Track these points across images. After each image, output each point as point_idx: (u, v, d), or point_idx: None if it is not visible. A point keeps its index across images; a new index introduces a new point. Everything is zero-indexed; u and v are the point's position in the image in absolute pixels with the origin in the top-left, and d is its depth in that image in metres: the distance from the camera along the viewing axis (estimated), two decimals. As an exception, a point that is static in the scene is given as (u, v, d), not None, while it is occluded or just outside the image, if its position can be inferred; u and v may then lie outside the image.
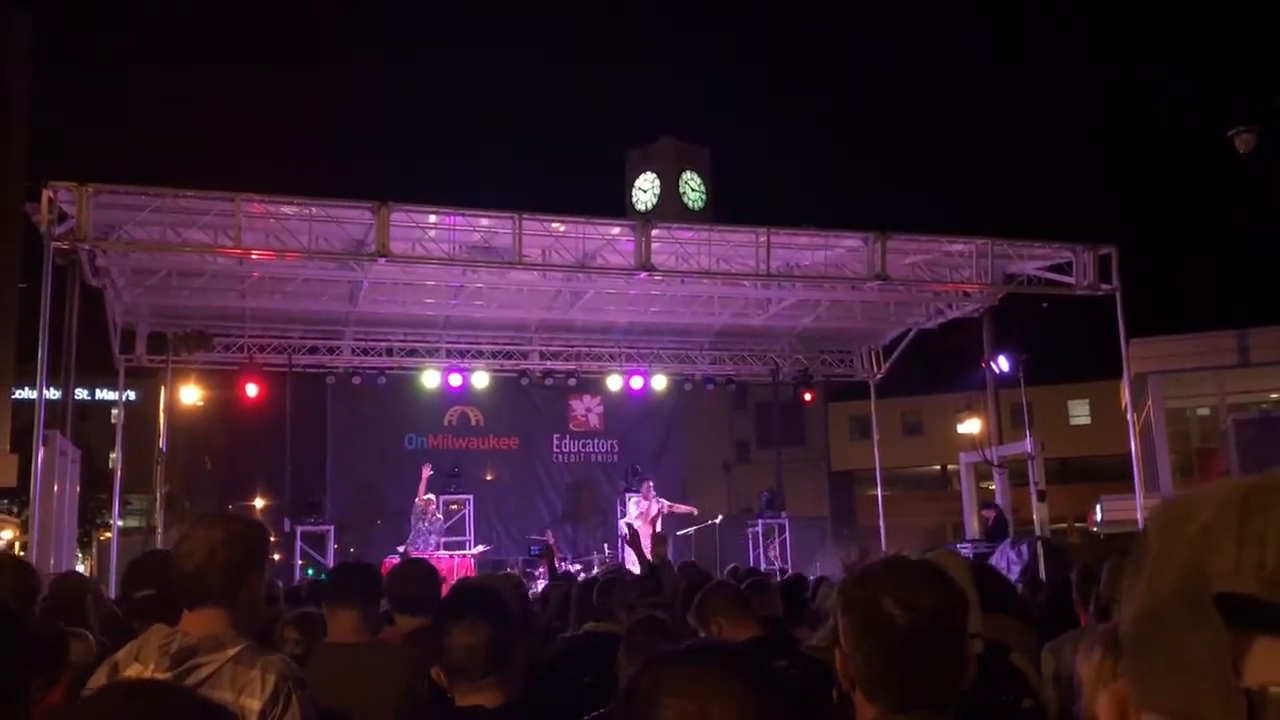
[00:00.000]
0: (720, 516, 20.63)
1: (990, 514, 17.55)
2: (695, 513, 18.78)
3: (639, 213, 45.13)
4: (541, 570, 15.27)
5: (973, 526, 19.35)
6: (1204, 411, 27.56)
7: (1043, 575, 12.58)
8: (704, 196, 50.48)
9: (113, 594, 12.55)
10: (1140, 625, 0.75)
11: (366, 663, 3.53)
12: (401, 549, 16.78)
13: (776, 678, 1.31)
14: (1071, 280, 16.63)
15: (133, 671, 2.50)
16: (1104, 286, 16.48)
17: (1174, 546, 0.75)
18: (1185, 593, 0.72)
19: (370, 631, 3.82)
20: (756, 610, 4.34)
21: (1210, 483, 0.81)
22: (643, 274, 15.26)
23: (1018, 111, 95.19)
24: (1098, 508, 28.38)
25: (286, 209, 14.14)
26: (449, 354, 20.05)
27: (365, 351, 19.68)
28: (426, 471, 18.06)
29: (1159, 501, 0.86)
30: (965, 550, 14.53)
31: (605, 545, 19.46)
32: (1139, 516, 16.52)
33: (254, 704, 2.51)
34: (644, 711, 1.26)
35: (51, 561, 12.80)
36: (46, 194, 12.56)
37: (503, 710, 2.50)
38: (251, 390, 18.22)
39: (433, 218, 14.66)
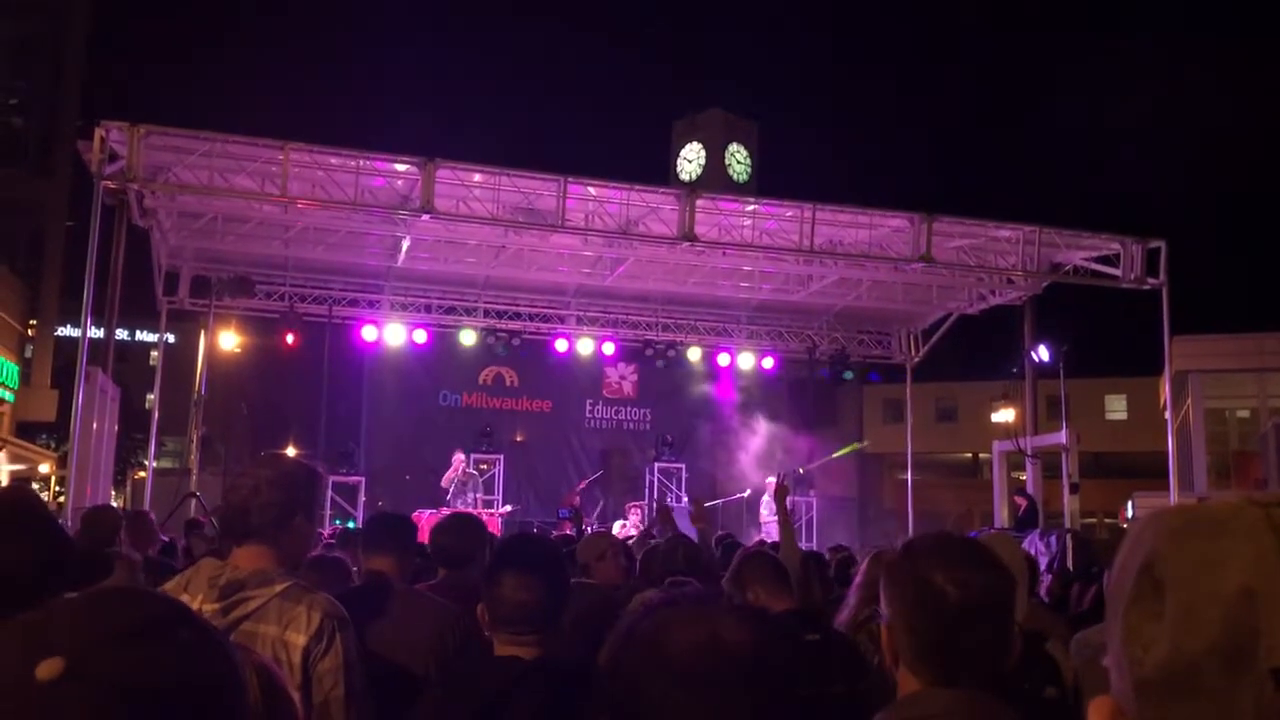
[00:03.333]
0: (748, 491, 20.63)
1: (1023, 502, 17.44)
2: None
3: (683, 182, 44.93)
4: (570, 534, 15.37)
5: (1002, 515, 19.24)
6: (1244, 414, 27.22)
7: (1070, 566, 12.52)
8: (749, 169, 50.16)
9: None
10: (1170, 675, 0.73)
11: (401, 608, 3.56)
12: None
13: (778, 624, 1.33)
14: (1118, 273, 16.40)
15: None
16: (1150, 281, 16.25)
17: (1206, 604, 0.72)
18: (1229, 653, 0.71)
19: (404, 578, 3.87)
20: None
21: (1224, 504, 0.78)
22: (684, 244, 15.20)
23: (1074, 100, 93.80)
24: (1129, 504, 28.12)
25: (333, 160, 14.17)
26: (487, 314, 20.10)
27: (405, 307, 19.77)
28: (458, 460, 17.92)
29: (1155, 519, 0.81)
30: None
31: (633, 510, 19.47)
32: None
33: (299, 639, 2.55)
34: (650, 646, 1.27)
35: (88, 496, 13.01)
36: (98, 133, 12.66)
37: (538, 663, 2.50)
38: (291, 339, 18.35)
39: (478, 176, 14.66)
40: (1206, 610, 0.72)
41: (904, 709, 1.86)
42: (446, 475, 17.66)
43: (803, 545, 18.13)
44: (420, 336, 19.65)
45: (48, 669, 0.82)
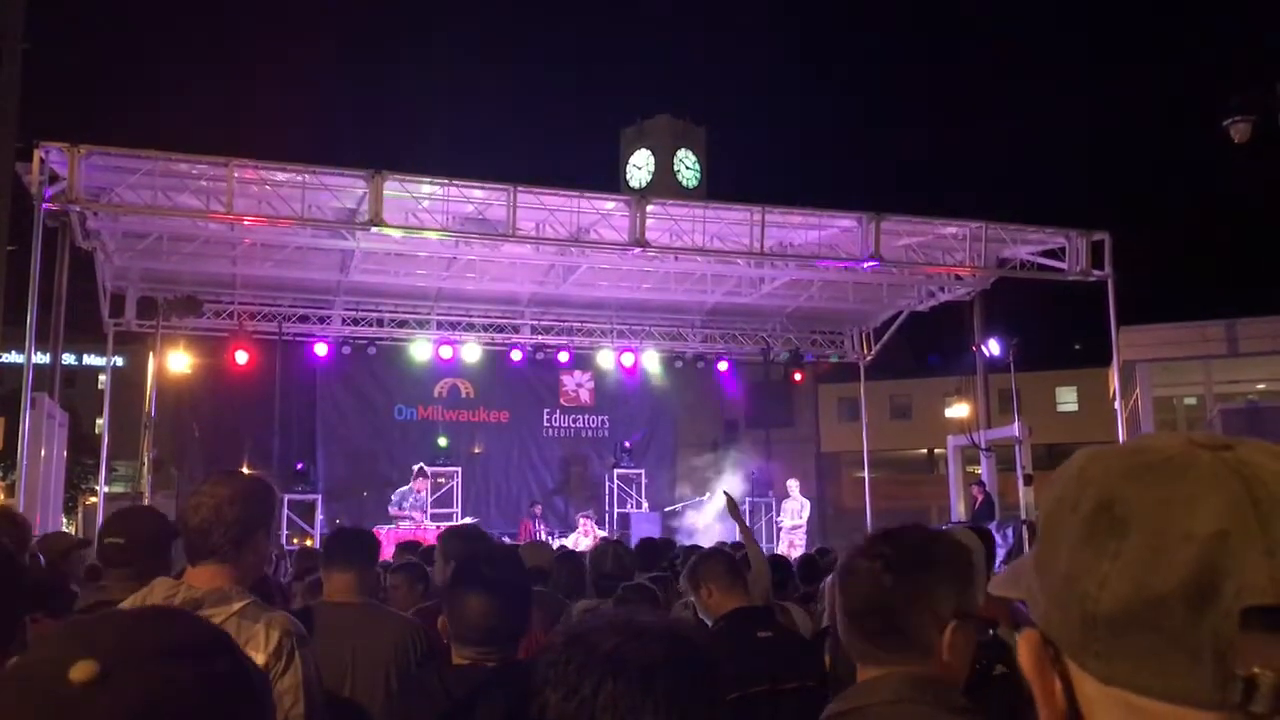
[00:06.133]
0: (708, 495, 20.69)
1: (979, 494, 17.63)
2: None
3: (633, 190, 45.03)
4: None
5: (959, 509, 19.42)
6: (1191, 401, 27.69)
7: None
8: (698, 174, 50.38)
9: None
10: (1129, 612, 0.75)
11: (361, 622, 3.55)
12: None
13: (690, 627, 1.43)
14: (1064, 266, 16.64)
15: None
16: (1096, 273, 16.49)
17: (1177, 545, 0.74)
18: (1196, 592, 0.73)
19: (365, 593, 3.86)
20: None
21: (1168, 444, 0.80)
22: (636, 250, 15.22)
23: (1015, 97, 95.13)
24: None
25: (279, 175, 14.04)
26: (440, 326, 20.01)
27: (356, 321, 19.63)
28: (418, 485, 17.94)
29: (1100, 458, 0.83)
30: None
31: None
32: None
33: (258, 658, 2.52)
34: (568, 645, 1.38)
35: (38, 525, 12.78)
36: (38, 154, 12.45)
37: (499, 670, 2.50)
38: (241, 358, 18.16)
39: (426, 188, 14.59)
40: (1178, 550, 0.74)
41: (851, 698, 1.90)
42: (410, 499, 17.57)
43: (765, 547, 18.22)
44: (372, 351, 19.56)
45: (82, 671, 0.85)
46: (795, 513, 18.88)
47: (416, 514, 17.45)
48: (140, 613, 0.98)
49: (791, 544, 17.37)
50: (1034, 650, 0.83)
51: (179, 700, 0.88)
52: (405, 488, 17.61)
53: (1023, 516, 16.44)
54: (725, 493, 6.37)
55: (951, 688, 1.86)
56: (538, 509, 18.99)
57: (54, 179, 12.60)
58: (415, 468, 18.02)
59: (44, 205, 12.58)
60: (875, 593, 1.92)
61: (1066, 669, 0.81)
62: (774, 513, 20.58)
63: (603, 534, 18.05)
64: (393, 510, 17.22)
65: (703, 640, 1.37)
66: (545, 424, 22.38)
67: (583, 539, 17.66)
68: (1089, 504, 0.80)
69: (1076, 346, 37.81)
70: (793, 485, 19.38)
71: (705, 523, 19.35)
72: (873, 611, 1.91)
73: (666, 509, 20.40)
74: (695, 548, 10.12)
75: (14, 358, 27.95)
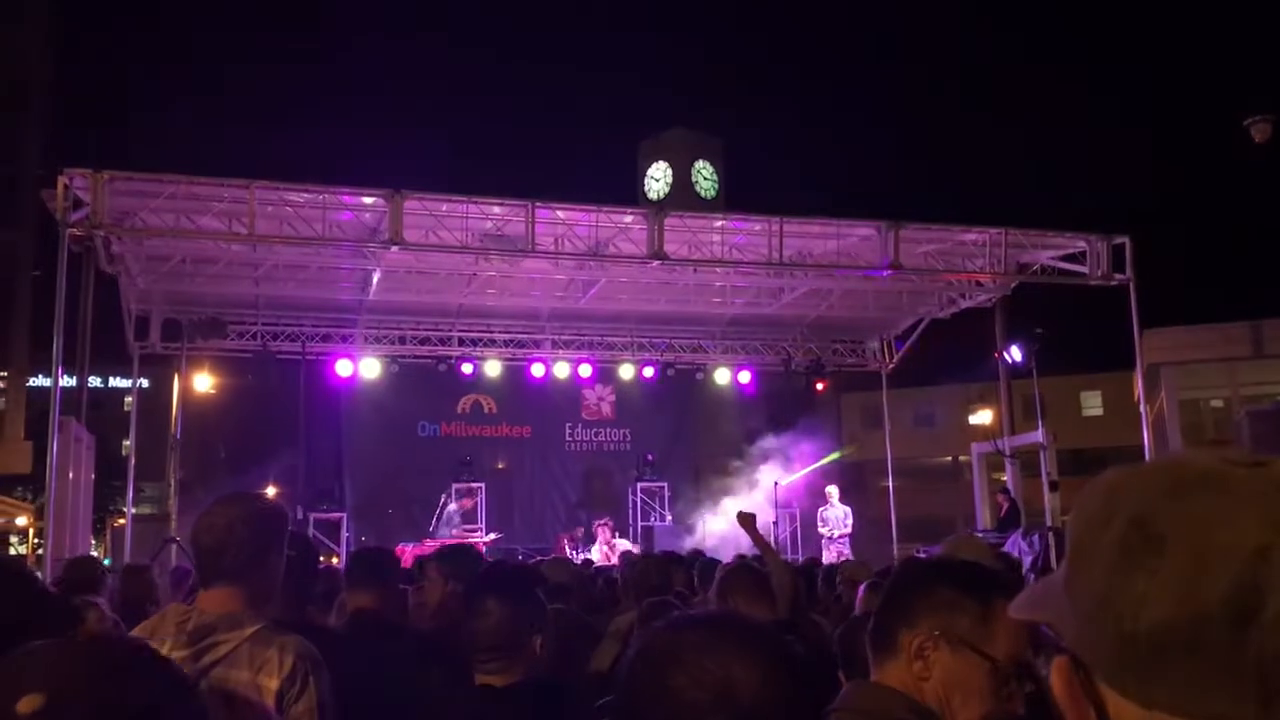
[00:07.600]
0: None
1: (1005, 502, 17.51)
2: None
3: (651, 202, 45.03)
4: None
5: (984, 517, 19.31)
6: (1217, 403, 27.48)
7: (1054, 565, 12.60)
8: (716, 186, 50.30)
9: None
10: (1170, 631, 0.72)
11: (386, 643, 3.57)
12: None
13: (795, 652, 1.31)
14: (1085, 270, 16.55)
15: None
16: (1118, 277, 16.39)
17: (1219, 560, 0.72)
18: (1237, 608, 0.71)
19: (389, 613, 3.89)
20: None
21: (1204, 461, 0.78)
22: (655, 262, 15.24)
23: (1034, 102, 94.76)
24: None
25: (300, 196, 14.14)
26: (461, 342, 20.09)
27: (378, 340, 19.73)
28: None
29: (1136, 475, 0.81)
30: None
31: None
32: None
33: (271, 683, 2.50)
34: (660, 673, 1.22)
35: (67, 547, 12.89)
36: (62, 181, 12.60)
37: (511, 689, 2.51)
38: (263, 378, 18.29)
39: (445, 206, 14.66)
40: (1219, 566, 0.72)
41: (835, 702, 1.94)
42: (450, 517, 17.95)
43: (789, 557, 18.13)
44: (395, 368, 19.68)
45: (28, 704, 0.89)
46: (840, 521, 18.68)
47: (456, 531, 17.68)
48: (79, 643, 1.03)
49: (840, 554, 17.12)
50: (1065, 676, 0.80)
51: (125, 702, 0.94)
52: (453, 507, 17.90)
53: (1049, 523, 16.32)
54: (740, 512, 6.30)
55: (903, 701, 1.87)
56: (579, 531, 19.14)
57: (78, 205, 12.75)
58: (456, 488, 18.32)
59: (69, 231, 12.74)
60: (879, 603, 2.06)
61: (1100, 695, 0.78)
62: (797, 523, 20.51)
63: (624, 544, 18.07)
64: (447, 532, 17.40)
65: (796, 688, 1.26)
66: (567, 438, 22.41)
67: (603, 548, 17.70)
68: (1122, 521, 0.77)
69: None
70: (832, 492, 19.21)
71: (728, 534, 19.28)
72: (872, 618, 2.03)
73: (690, 521, 20.35)
74: (698, 553, 10.10)
75: (41, 381, 28.23)
